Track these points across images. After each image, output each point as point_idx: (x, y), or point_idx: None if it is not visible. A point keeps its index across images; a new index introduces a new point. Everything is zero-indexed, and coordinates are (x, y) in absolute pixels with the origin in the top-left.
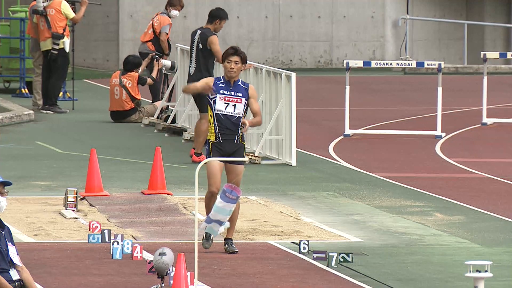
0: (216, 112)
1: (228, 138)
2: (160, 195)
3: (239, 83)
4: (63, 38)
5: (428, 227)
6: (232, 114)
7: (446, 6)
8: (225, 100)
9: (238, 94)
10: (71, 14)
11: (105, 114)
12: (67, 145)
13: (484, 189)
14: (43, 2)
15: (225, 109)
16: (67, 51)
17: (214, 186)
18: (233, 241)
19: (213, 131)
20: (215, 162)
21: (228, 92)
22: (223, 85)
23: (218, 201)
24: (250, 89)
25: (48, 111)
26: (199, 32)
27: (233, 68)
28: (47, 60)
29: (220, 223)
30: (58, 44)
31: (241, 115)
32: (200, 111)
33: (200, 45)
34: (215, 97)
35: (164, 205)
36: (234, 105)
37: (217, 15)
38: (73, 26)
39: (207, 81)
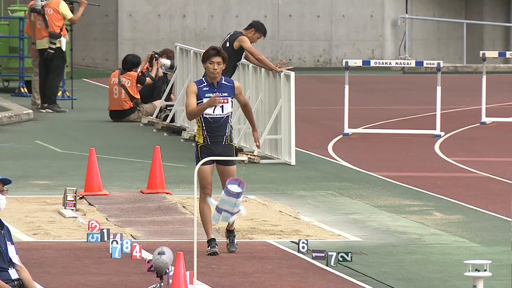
0: (204, 116)
1: (216, 141)
2: (159, 194)
3: (223, 82)
4: (60, 37)
5: (427, 226)
6: (220, 116)
7: (445, 6)
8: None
9: (224, 94)
10: (69, 15)
11: (104, 113)
12: (66, 145)
13: (483, 188)
14: (41, 1)
15: (213, 112)
16: (64, 50)
17: (208, 188)
18: (235, 237)
19: (201, 133)
20: (206, 168)
21: (213, 94)
22: (207, 88)
23: (222, 194)
24: (237, 88)
25: (47, 110)
26: (232, 32)
27: (216, 69)
28: (43, 59)
29: (231, 213)
30: (55, 44)
31: (229, 114)
32: None
33: (227, 42)
34: (202, 101)
35: (163, 204)
36: (222, 106)
37: (253, 25)
38: (71, 26)
39: (193, 89)
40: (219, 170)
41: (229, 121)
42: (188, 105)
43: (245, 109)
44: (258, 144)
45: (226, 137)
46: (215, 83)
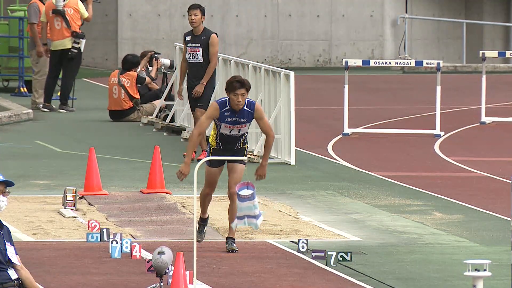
0: (220, 132)
1: (229, 147)
2: (159, 194)
3: (245, 108)
4: (84, 37)
5: (427, 226)
6: (237, 135)
7: (445, 5)
8: (230, 127)
9: (243, 120)
10: (86, 14)
11: (104, 113)
12: (66, 144)
13: (483, 188)
14: (63, 1)
15: (230, 133)
16: (82, 50)
17: (212, 189)
18: (234, 239)
19: (215, 139)
20: (214, 170)
21: (233, 119)
22: (228, 113)
23: (239, 203)
24: (256, 112)
25: (60, 110)
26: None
27: (240, 101)
28: (59, 59)
29: (255, 217)
30: (78, 43)
31: (246, 133)
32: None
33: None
34: (220, 125)
35: (163, 204)
36: (239, 129)
37: None
38: None
39: (214, 114)
40: (228, 168)
41: (245, 134)
42: (200, 124)
43: (267, 140)
44: (259, 175)
45: (238, 143)
46: (237, 109)
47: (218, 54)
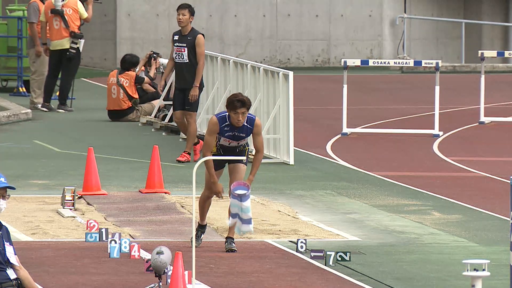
0: (220, 143)
1: (229, 154)
2: (158, 194)
3: (245, 123)
4: (82, 37)
5: (425, 226)
6: (236, 146)
7: (444, 5)
8: (229, 141)
9: (242, 134)
10: (85, 14)
11: (102, 113)
12: (65, 144)
13: (481, 188)
14: (62, 1)
15: (229, 145)
16: (81, 50)
17: (210, 194)
18: (233, 239)
19: (215, 146)
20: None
21: (233, 133)
22: (228, 128)
23: (230, 199)
24: (255, 128)
25: (58, 110)
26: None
27: (240, 120)
28: (58, 59)
29: (245, 221)
30: (76, 43)
31: (245, 142)
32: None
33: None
34: (220, 138)
35: (162, 204)
36: (238, 142)
37: None
38: None
39: (215, 129)
40: (229, 169)
41: (244, 143)
42: (207, 144)
43: (256, 155)
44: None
45: (239, 149)
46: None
47: (217, 54)
